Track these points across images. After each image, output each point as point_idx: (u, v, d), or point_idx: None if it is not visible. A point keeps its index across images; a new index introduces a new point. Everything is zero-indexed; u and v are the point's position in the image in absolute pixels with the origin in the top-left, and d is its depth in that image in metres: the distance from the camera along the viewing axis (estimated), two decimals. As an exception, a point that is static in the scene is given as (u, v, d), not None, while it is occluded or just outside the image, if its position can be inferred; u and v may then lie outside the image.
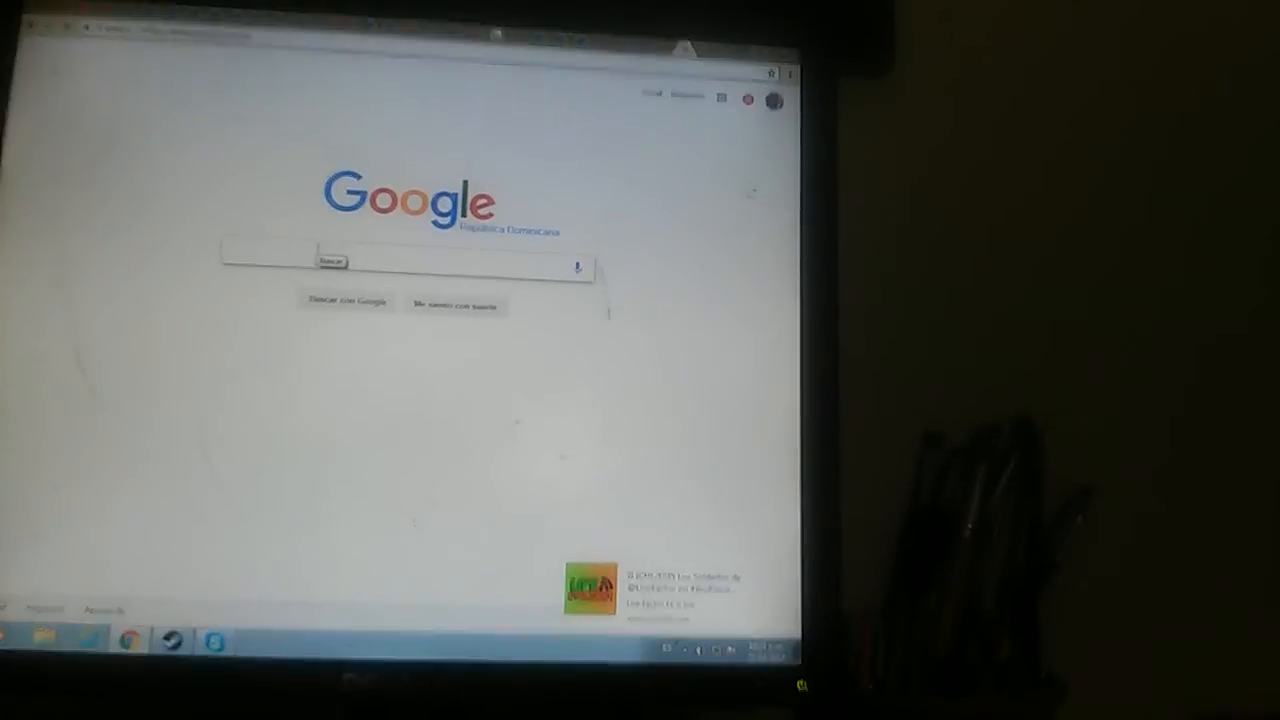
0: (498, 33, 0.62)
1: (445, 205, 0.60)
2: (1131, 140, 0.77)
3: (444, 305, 0.59)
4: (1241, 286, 0.77)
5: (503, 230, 0.60)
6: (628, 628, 0.57)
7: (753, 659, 0.58)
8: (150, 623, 0.55)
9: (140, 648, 0.55)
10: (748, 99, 0.63)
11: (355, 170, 0.60)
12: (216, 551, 0.56)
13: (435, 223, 0.60)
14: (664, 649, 0.58)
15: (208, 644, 0.55)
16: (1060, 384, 0.74)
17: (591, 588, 0.57)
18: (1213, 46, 0.78)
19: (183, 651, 0.55)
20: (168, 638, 0.55)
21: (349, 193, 0.59)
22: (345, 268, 0.59)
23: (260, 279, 0.58)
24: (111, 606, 0.55)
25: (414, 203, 0.60)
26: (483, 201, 0.60)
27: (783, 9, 0.67)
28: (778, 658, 0.58)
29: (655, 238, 0.61)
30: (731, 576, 0.58)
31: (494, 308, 0.59)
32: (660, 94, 0.63)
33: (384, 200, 0.60)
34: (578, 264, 0.60)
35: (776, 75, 0.64)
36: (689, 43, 0.63)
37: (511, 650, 0.56)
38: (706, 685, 0.58)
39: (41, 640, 0.54)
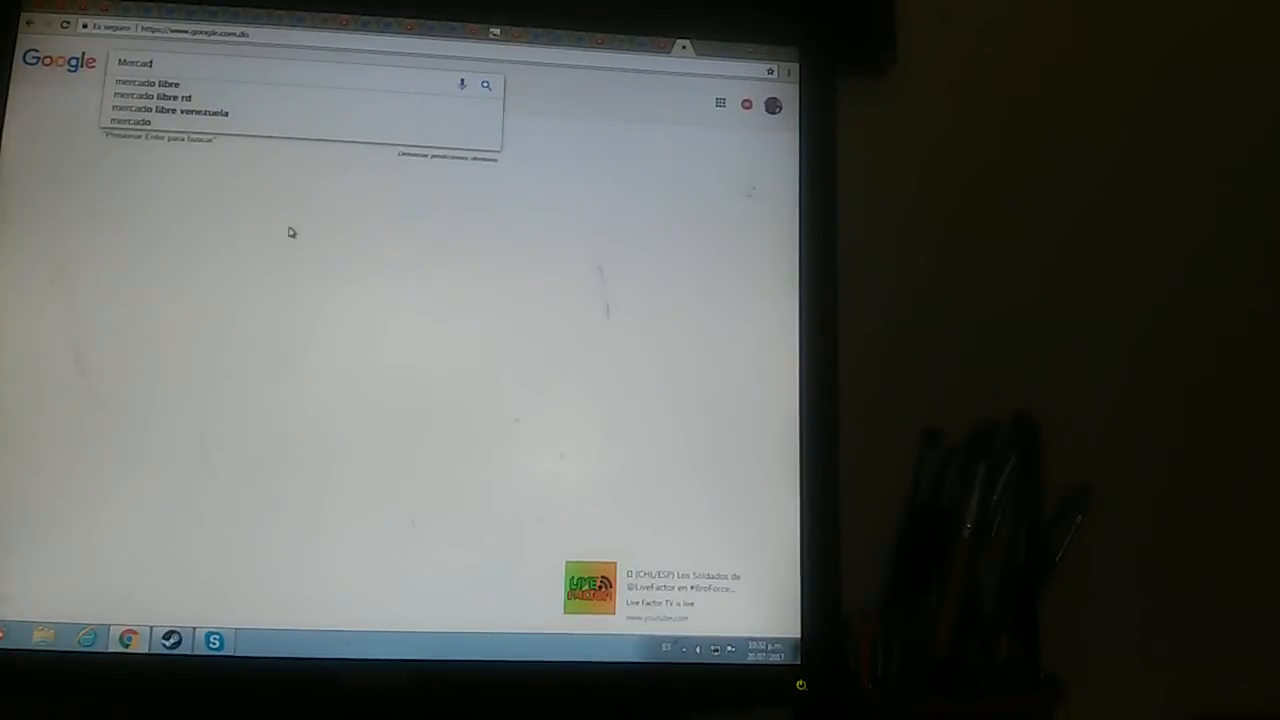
0: (496, 31, 0.62)
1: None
2: (1133, 139, 0.77)
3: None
4: (1243, 286, 0.77)
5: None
6: (627, 627, 0.57)
7: (752, 658, 0.58)
8: (150, 622, 0.55)
9: (140, 647, 0.55)
10: (747, 99, 0.63)
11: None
12: (216, 551, 0.56)
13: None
14: (663, 648, 0.58)
15: (207, 643, 0.55)
16: (1060, 383, 0.74)
17: (591, 586, 0.57)
18: (1214, 45, 0.78)
19: (182, 651, 0.55)
20: (167, 637, 0.55)
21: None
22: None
23: (260, 275, 0.58)
24: (111, 605, 0.55)
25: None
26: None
27: (782, 8, 0.66)
28: (777, 657, 0.58)
29: (654, 236, 0.61)
30: (731, 576, 0.58)
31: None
32: (659, 93, 0.63)
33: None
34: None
35: (776, 74, 0.64)
36: (688, 42, 0.63)
37: (511, 649, 0.56)
38: (706, 685, 0.58)
39: (41, 639, 0.54)
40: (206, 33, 0.60)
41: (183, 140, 0.59)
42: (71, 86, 0.59)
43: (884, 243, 0.73)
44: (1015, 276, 0.75)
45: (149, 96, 0.59)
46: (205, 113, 0.59)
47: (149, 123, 0.59)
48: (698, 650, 0.58)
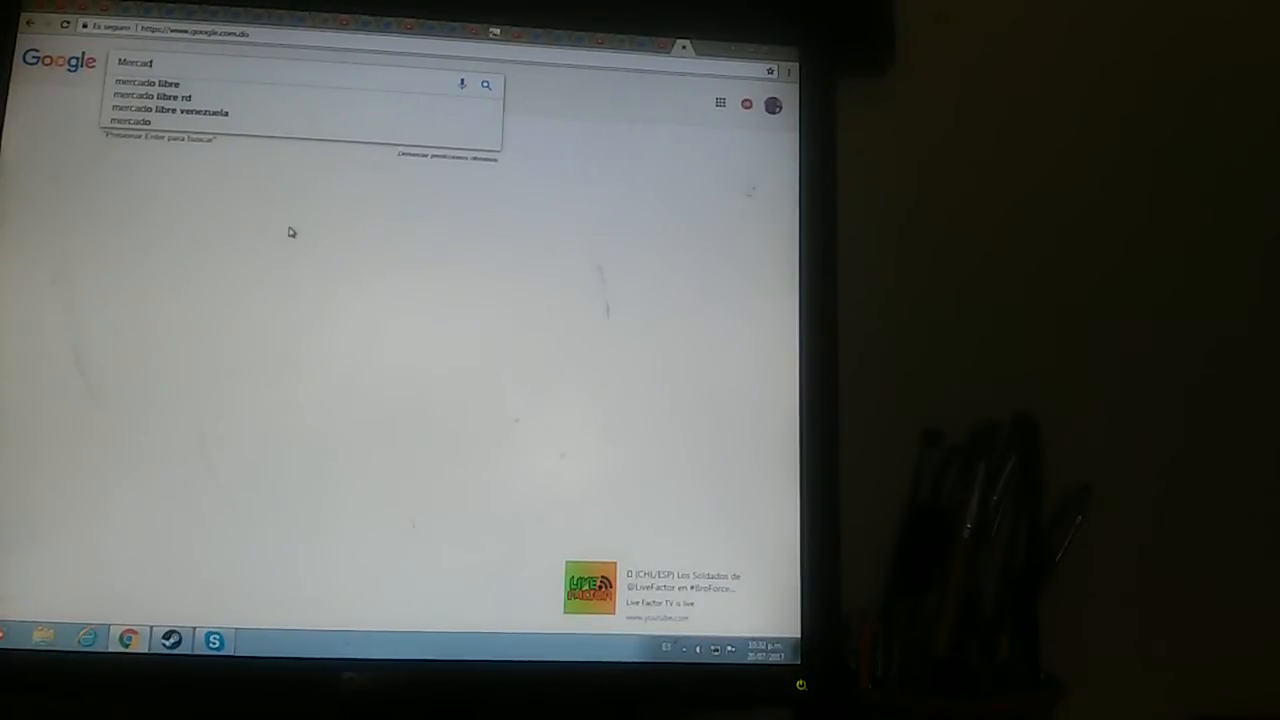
0: (496, 31, 0.62)
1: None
2: (1132, 138, 0.77)
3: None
4: (1242, 285, 0.77)
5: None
6: (627, 627, 0.57)
7: (752, 658, 0.58)
8: (150, 622, 0.55)
9: (140, 647, 0.55)
10: (747, 99, 0.63)
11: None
12: (216, 551, 0.56)
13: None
14: (663, 648, 0.58)
15: (207, 643, 0.55)
16: (1060, 383, 0.74)
17: (591, 586, 0.57)
18: (1213, 44, 0.78)
19: (182, 651, 0.55)
20: (167, 637, 0.55)
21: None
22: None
23: (260, 275, 0.58)
24: (111, 605, 0.55)
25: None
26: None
27: (782, 8, 0.66)
28: (777, 657, 0.58)
29: (654, 236, 0.61)
30: (731, 576, 0.58)
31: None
32: (659, 93, 0.63)
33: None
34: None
35: (776, 74, 0.64)
36: (688, 42, 0.63)
37: (511, 649, 0.56)
38: (706, 685, 0.58)
39: (41, 639, 0.54)
40: (206, 33, 0.60)
41: (183, 140, 0.59)
42: (71, 86, 0.59)
43: (884, 243, 0.73)
44: (1015, 276, 0.75)
45: (149, 96, 0.59)
46: (205, 113, 0.59)
47: (149, 123, 0.59)
48: (698, 650, 0.58)
